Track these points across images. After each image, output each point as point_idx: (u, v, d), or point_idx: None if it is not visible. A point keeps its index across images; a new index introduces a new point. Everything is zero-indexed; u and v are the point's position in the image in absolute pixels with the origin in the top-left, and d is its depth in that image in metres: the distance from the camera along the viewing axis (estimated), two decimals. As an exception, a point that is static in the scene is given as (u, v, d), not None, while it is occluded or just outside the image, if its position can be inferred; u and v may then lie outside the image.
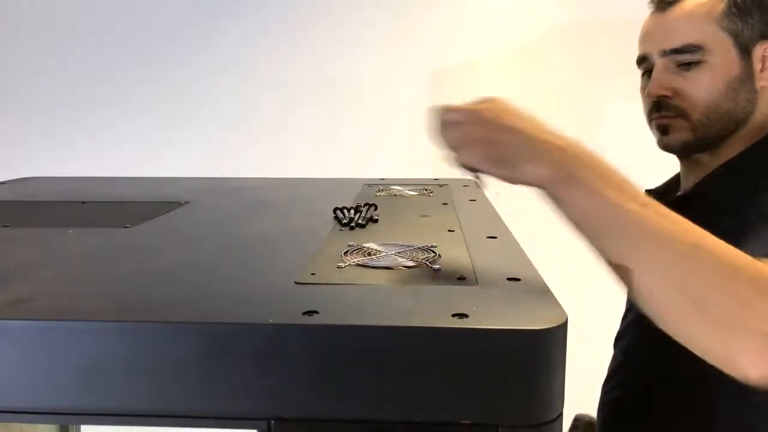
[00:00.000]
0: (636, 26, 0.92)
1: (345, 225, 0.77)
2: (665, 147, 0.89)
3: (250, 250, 0.68)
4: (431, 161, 1.86)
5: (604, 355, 1.03)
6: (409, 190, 1.07)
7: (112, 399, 0.45)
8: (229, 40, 1.88)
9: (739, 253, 0.55)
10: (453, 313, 0.47)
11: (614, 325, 1.02)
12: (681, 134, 0.86)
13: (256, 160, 1.88)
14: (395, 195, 1.03)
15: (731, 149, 0.85)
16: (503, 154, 0.57)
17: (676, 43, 0.85)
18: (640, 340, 0.89)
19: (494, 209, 0.89)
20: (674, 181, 0.97)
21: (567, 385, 0.48)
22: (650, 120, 0.91)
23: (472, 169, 0.60)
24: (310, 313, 0.47)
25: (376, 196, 1.01)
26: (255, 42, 1.88)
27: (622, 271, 0.55)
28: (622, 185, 0.56)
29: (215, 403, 0.45)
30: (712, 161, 0.87)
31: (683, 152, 0.89)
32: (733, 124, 0.84)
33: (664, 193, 0.93)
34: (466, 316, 0.46)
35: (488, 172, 0.58)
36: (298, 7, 1.86)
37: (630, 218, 0.54)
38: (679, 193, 0.92)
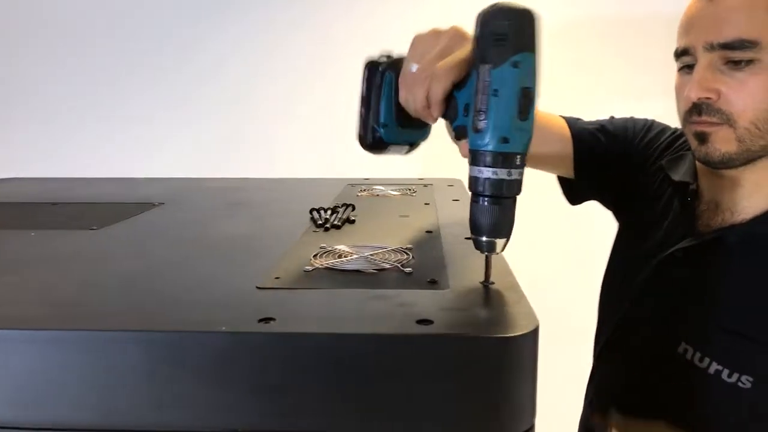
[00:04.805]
0: (633, 25, 0.87)
1: (320, 226, 0.75)
2: (702, 158, 0.79)
3: (217, 253, 0.65)
4: (425, 160, 1.84)
5: (581, 362, 1.01)
6: (392, 189, 1.04)
7: (55, 412, 0.43)
8: (215, 41, 1.85)
9: None
10: (418, 319, 0.44)
11: (585, 335, 1.00)
12: (723, 145, 0.75)
13: (246, 160, 1.86)
14: (377, 195, 1.00)
15: None
16: None
17: (727, 36, 0.72)
18: None
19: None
20: (691, 167, 0.86)
21: (541, 394, 0.46)
22: (686, 124, 0.80)
23: None
24: (267, 320, 0.44)
25: (357, 196, 0.98)
26: (241, 43, 1.85)
27: None
28: None
29: (164, 416, 0.42)
30: (746, 179, 0.78)
31: (723, 166, 0.78)
32: None
33: (685, 184, 0.85)
34: (431, 322, 0.44)
35: None
36: (285, 6, 1.83)
37: None
38: (728, 220, 0.81)
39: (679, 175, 0.87)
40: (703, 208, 0.84)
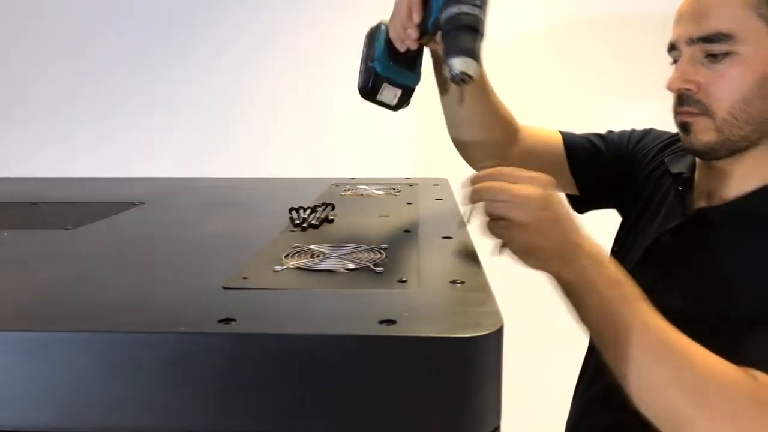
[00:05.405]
0: (629, 25, 0.87)
1: (297, 226, 0.74)
2: (688, 147, 0.82)
3: (190, 253, 0.65)
4: (418, 160, 1.83)
5: (571, 362, 0.99)
6: (376, 189, 1.03)
7: (13, 414, 0.42)
8: (205, 41, 1.84)
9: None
10: (381, 319, 0.43)
11: (571, 334, 0.98)
12: (704, 135, 0.78)
13: (235, 160, 1.85)
14: (361, 195, 0.99)
15: (764, 158, 0.78)
16: (535, 249, 0.63)
17: (705, 30, 0.76)
18: None
19: (458, 209, 0.86)
20: (691, 162, 0.88)
21: (512, 394, 0.45)
22: (675, 116, 0.83)
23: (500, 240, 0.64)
24: (227, 320, 0.43)
25: (341, 195, 0.98)
26: (232, 41, 1.84)
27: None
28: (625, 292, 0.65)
29: (122, 417, 0.42)
30: (736, 169, 0.79)
31: (707, 156, 0.80)
32: (766, 126, 0.76)
33: (681, 174, 0.87)
34: (394, 322, 0.43)
35: (515, 257, 0.64)
36: (275, 5, 1.82)
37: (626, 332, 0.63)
38: (716, 204, 0.82)
39: (677, 168, 0.90)
40: (696, 197, 0.86)
